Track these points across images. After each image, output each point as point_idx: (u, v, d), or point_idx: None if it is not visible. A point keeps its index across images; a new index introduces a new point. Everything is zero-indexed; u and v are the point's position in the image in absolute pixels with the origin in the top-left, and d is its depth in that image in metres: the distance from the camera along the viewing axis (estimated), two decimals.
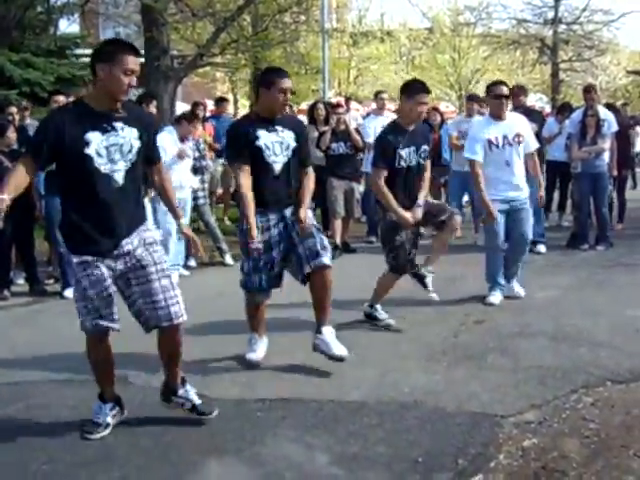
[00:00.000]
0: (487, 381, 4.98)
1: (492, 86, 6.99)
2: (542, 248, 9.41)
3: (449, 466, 3.81)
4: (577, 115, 10.07)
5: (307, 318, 6.29)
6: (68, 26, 19.62)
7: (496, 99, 6.78)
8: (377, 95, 11.44)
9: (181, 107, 15.07)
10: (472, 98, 11.12)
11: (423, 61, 32.38)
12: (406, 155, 6.02)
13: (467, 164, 10.11)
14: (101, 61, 3.86)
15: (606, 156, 9.76)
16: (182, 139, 8.49)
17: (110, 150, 3.91)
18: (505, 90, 6.83)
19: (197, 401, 4.34)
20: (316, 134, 10.11)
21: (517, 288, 7.15)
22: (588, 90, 10.01)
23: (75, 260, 3.99)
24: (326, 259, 5.07)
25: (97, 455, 4.00)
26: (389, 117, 11.02)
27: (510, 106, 7.56)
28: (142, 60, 3.97)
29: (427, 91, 6.04)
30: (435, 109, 12.36)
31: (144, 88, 12.25)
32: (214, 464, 3.90)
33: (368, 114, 13.78)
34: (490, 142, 6.75)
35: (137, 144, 4.02)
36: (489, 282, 7.05)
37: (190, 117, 8.90)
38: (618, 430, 4.21)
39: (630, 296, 7.16)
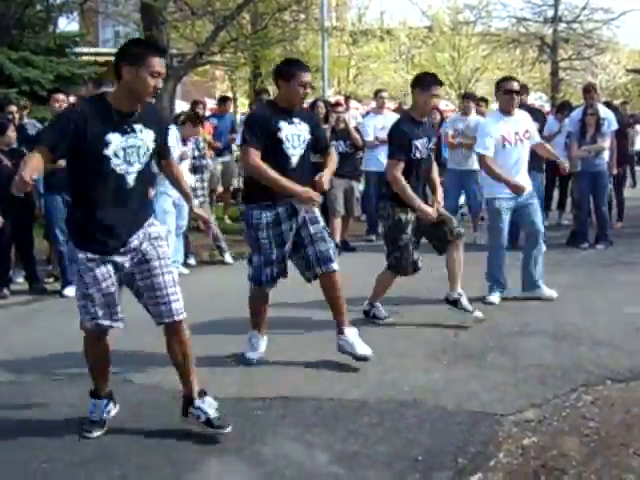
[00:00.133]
0: (487, 380, 4.98)
1: (503, 82, 6.93)
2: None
3: (449, 465, 3.81)
4: (577, 114, 10.07)
5: (306, 316, 6.31)
6: (67, 24, 19.57)
7: (507, 94, 6.76)
8: (377, 94, 11.43)
9: (180, 106, 15.07)
10: (468, 96, 11.11)
11: (423, 60, 32.32)
12: (421, 146, 6.00)
13: (463, 163, 10.19)
14: (127, 62, 3.80)
15: (606, 155, 9.77)
16: (184, 140, 8.50)
17: (127, 152, 3.89)
18: (516, 85, 6.82)
19: (212, 414, 4.14)
20: None
21: (548, 291, 7.06)
22: (588, 90, 10.01)
23: (80, 256, 3.95)
24: (336, 265, 5.18)
25: (96, 454, 4.00)
26: (389, 116, 11.04)
27: None
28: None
29: (440, 83, 6.08)
30: (435, 108, 12.34)
31: None
32: (214, 463, 3.89)
33: (368, 113, 13.77)
34: (504, 138, 6.73)
35: (152, 146, 4.02)
36: (489, 281, 7.05)
37: (195, 119, 8.91)
38: (618, 429, 4.21)
39: (630, 294, 7.16)
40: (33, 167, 3.63)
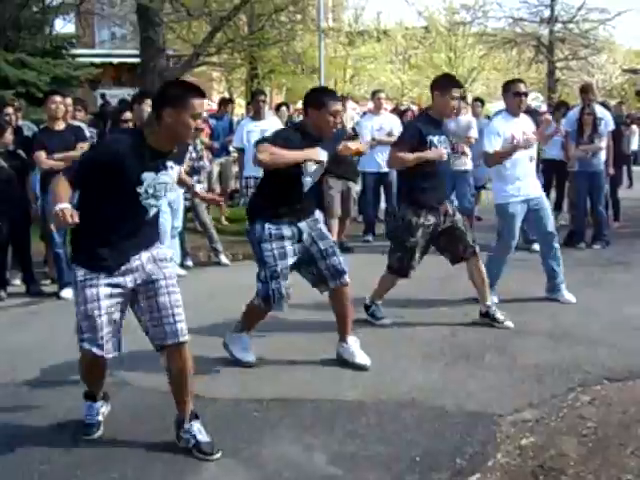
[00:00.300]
0: (485, 380, 4.98)
1: (511, 84, 6.92)
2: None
3: (447, 465, 3.81)
4: (574, 113, 10.07)
5: (304, 318, 6.30)
6: (64, 26, 19.61)
7: (517, 96, 6.76)
8: (374, 94, 11.42)
9: None
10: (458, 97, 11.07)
11: (419, 60, 32.36)
12: (437, 143, 5.96)
13: (455, 163, 10.17)
14: (169, 105, 3.72)
15: (603, 155, 9.77)
16: None
17: (157, 187, 3.87)
18: (524, 88, 6.84)
19: (201, 439, 4.00)
20: None
21: (568, 295, 7.01)
22: (585, 90, 10.01)
23: (79, 274, 3.88)
24: (348, 277, 5.28)
25: (95, 456, 4.00)
26: (386, 116, 11.05)
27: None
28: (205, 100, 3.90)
29: (459, 85, 6.12)
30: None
31: (139, 88, 12.25)
32: (212, 464, 3.89)
33: (364, 113, 13.77)
34: (514, 138, 6.71)
35: (176, 180, 4.08)
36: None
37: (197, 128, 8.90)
38: (615, 428, 4.21)
39: (627, 294, 7.17)
40: (64, 197, 3.57)
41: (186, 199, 8.94)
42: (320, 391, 4.83)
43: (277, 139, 4.99)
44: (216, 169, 12.05)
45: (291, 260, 5.14)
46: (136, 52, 14.94)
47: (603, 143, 9.67)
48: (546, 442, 4.05)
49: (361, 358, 5.31)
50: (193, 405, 4.14)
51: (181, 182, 4.60)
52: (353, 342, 5.37)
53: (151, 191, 3.86)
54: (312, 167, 5.07)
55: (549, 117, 7.53)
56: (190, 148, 8.90)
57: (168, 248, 8.45)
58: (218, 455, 3.97)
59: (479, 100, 12.66)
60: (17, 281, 8.18)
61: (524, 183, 6.78)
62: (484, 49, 31.03)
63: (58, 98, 7.73)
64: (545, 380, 4.94)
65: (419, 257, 6.10)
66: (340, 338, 5.40)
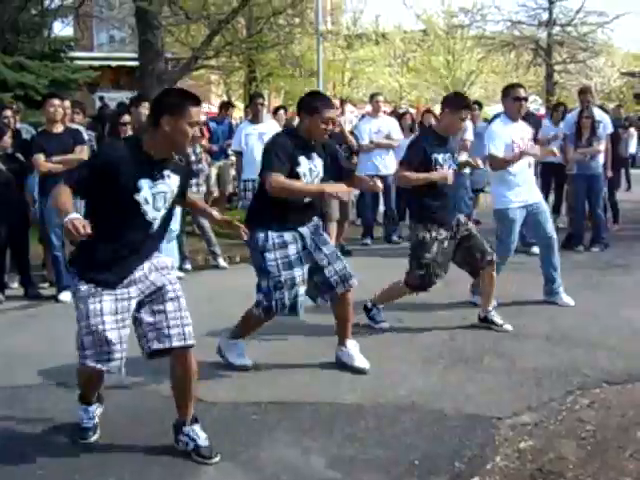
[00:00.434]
0: (483, 383, 4.98)
1: (511, 88, 6.94)
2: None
3: (446, 468, 3.81)
4: (572, 116, 10.09)
5: (302, 321, 6.28)
6: (62, 29, 19.58)
7: (517, 101, 6.78)
8: (372, 97, 11.42)
9: None
10: None
11: (418, 63, 32.37)
12: (442, 160, 5.95)
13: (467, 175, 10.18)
14: (167, 113, 3.75)
15: (601, 157, 9.78)
16: None
17: (156, 197, 3.86)
18: (523, 92, 6.86)
19: (201, 442, 4.00)
20: None
21: (566, 298, 7.02)
22: (584, 91, 10.03)
23: (81, 288, 3.84)
24: (355, 280, 5.25)
25: (92, 459, 3.99)
26: (384, 119, 11.05)
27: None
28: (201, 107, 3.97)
29: (470, 107, 6.26)
30: (429, 111, 12.36)
31: (138, 91, 12.24)
32: (210, 468, 3.88)
33: (363, 116, 13.77)
34: (514, 142, 6.74)
35: (177, 191, 4.02)
36: None
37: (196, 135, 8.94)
38: (614, 431, 4.21)
39: (625, 297, 7.17)
40: (70, 207, 3.54)
41: None
42: (319, 394, 4.83)
43: (278, 164, 4.93)
44: (214, 172, 12.05)
45: (298, 270, 5.05)
46: (135, 55, 14.94)
47: (601, 146, 9.68)
48: (545, 445, 4.05)
49: (360, 362, 5.31)
50: (193, 409, 4.13)
51: (205, 214, 4.60)
52: (352, 346, 5.37)
53: (151, 200, 3.84)
54: (314, 174, 5.09)
55: (556, 150, 7.55)
56: (189, 151, 8.92)
57: (167, 255, 8.50)
58: (217, 459, 3.96)
59: (477, 103, 12.66)
60: (15, 284, 8.18)
61: (523, 189, 6.80)
62: (482, 52, 31.04)
63: (56, 101, 7.73)
64: (544, 383, 4.94)
65: (440, 272, 6.03)
66: (340, 342, 5.40)
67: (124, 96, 17.00)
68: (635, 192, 15.81)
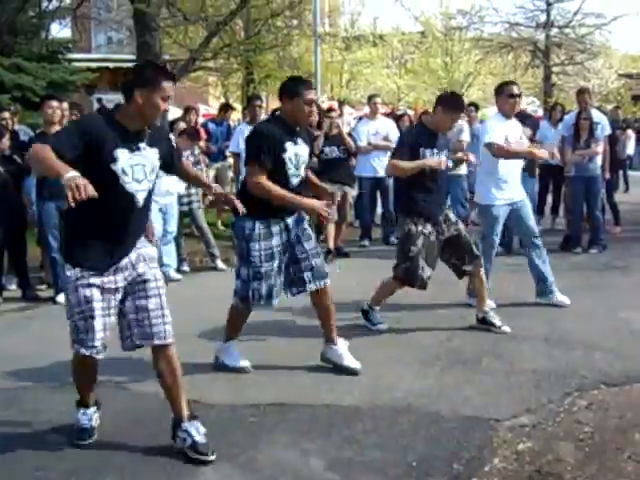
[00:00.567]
0: (481, 385, 4.97)
1: (505, 86, 7.00)
2: None
3: (443, 470, 3.80)
4: (570, 118, 10.10)
5: (300, 323, 6.29)
6: (60, 30, 19.58)
7: (511, 98, 6.82)
8: (370, 99, 11.43)
9: (173, 112, 15.04)
10: None
11: (415, 65, 32.43)
12: (430, 156, 5.99)
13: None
14: (141, 86, 3.85)
15: (599, 159, 9.78)
16: (179, 151, 8.53)
17: (134, 169, 3.90)
18: (517, 90, 6.89)
19: (198, 439, 4.00)
20: None
21: (561, 297, 7.02)
22: (582, 92, 10.04)
23: (69, 274, 3.91)
24: (328, 281, 5.28)
25: (90, 461, 3.98)
26: (382, 121, 11.05)
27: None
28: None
29: (463, 109, 6.31)
30: (427, 113, 12.33)
31: None
32: (208, 470, 3.88)
33: (361, 118, 13.77)
34: (506, 139, 6.77)
35: (157, 164, 4.05)
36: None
37: (193, 136, 8.96)
38: (612, 433, 4.21)
39: (623, 298, 7.17)
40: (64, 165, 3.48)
41: (182, 204, 8.94)
42: (317, 396, 4.82)
43: (260, 159, 5.00)
44: (212, 173, 12.04)
45: (278, 261, 5.12)
46: (133, 57, 14.93)
47: (599, 148, 9.68)
48: (543, 447, 4.04)
49: (350, 361, 5.29)
50: (190, 408, 4.14)
51: (204, 185, 4.65)
52: (342, 344, 5.36)
53: (129, 172, 3.88)
54: (300, 160, 5.13)
55: (556, 152, 7.60)
56: (187, 153, 8.93)
57: (166, 256, 8.52)
58: (213, 457, 3.97)
59: (473, 105, 12.67)
60: (13, 286, 8.17)
61: (509, 186, 6.87)
62: (480, 54, 31.09)
63: (54, 103, 7.73)
64: (542, 385, 4.94)
65: (426, 266, 6.03)
66: (327, 339, 5.37)
67: (122, 98, 16.96)
68: (633, 194, 15.82)
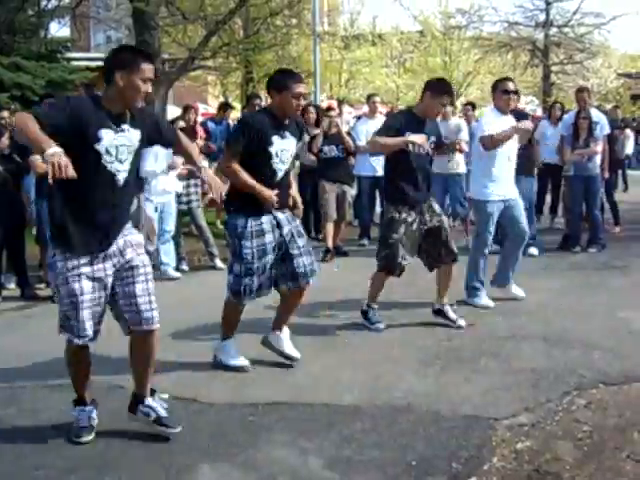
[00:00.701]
0: (480, 384, 4.97)
1: (500, 82, 7.07)
2: (534, 251, 9.40)
3: (443, 469, 3.81)
4: (569, 117, 10.10)
5: (300, 321, 6.29)
6: (59, 29, 19.58)
7: (505, 94, 6.86)
8: (369, 98, 11.42)
9: (172, 111, 15.06)
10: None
11: (415, 64, 32.40)
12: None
13: (448, 167, 10.18)
14: (120, 68, 3.91)
15: (598, 158, 9.78)
16: None
17: (119, 149, 3.97)
18: (512, 86, 6.94)
19: (163, 413, 4.24)
20: (307, 137, 10.11)
21: (516, 290, 7.17)
22: (581, 91, 10.04)
23: (59, 264, 3.97)
24: (316, 279, 5.36)
25: (88, 460, 3.98)
26: (381, 120, 11.02)
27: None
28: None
29: (451, 94, 6.28)
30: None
31: None
32: (207, 469, 3.88)
33: (360, 117, 13.76)
34: None
35: (138, 145, 4.10)
36: (476, 284, 7.00)
37: (191, 133, 8.96)
38: (611, 432, 4.21)
39: (622, 298, 7.17)
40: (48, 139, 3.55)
41: (181, 203, 8.94)
42: (316, 395, 4.82)
43: (237, 146, 5.07)
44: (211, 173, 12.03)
45: (270, 257, 5.15)
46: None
47: (599, 147, 9.68)
48: (542, 446, 4.04)
49: (291, 350, 5.42)
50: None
51: (194, 164, 4.62)
52: (286, 332, 5.47)
53: (113, 152, 3.93)
54: (287, 154, 5.15)
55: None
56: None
57: (165, 255, 8.52)
58: (179, 429, 4.18)
59: (470, 104, 12.66)
60: (12, 285, 8.16)
61: (503, 183, 6.91)
62: (479, 53, 31.09)
63: None
64: (541, 384, 4.94)
65: (405, 254, 6.13)
66: (275, 327, 5.46)
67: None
68: (632, 193, 15.82)
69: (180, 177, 8.71)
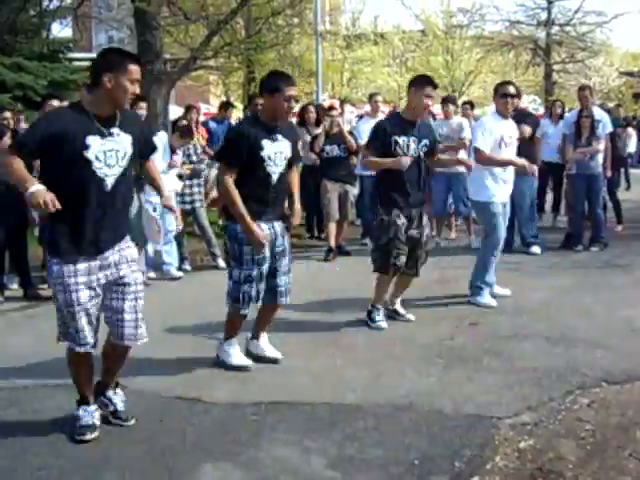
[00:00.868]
0: (483, 383, 4.97)
1: (500, 86, 7.12)
2: (536, 249, 9.40)
3: (445, 468, 3.80)
4: (571, 116, 10.10)
5: (302, 321, 6.29)
6: (61, 30, 19.61)
7: (504, 98, 6.89)
8: (371, 97, 11.41)
9: (175, 111, 15.05)
10: (448, 100, 11.01)
11: (416, 63, 32.35)
12: (403, 143, 6.08)
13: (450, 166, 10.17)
14: (108, 70, 3.92)
15: (600, 157, 9.77)
16: (174, 149, 8.53)
17: (107, 155, 3.96)
18: (512, 89, 6.97)
19: (120, 407, 4.41)
20: (308, 137, 10.12)
21: (499, 289, 7.19)
22: (583, 89, 10.03)
23: (55, 269, 4.01)
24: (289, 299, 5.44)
25: (91, 460, 3.98)
26: None
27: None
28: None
29: (434, 85, 6.23)
30: (427, 108, 12.28)
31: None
32: (209, 468, 3.88)
33: (361, 116, 13.74)
34: (502, 138, 6.82)
35: (130, 151, 4.09)
36: (481, 284, 6.99)
37: (185, 132, 8.95)
38: (614, 431, 4.21)
39: (624, 296, 7.17)
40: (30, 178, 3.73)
41: (185, 203, 8.93)
42: (318, 395, 4.82)
43: (231, 160, 5.08)
44: (213, 172, 12.02)
45: (267, 265, 5.17)
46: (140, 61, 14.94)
47: (601, 145, 9.67)
48: (544, 445, 4.04)
49: (272, 352, 5.46)
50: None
51: (156, 188, 4.66)
52: (264, 338, 5.52)
53: (102, 157, 3.94)
54: (280, 157, 5.13)
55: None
56: (191, 151, 8.95)
57: (167, 255, 8.51)
58: (132, 422, 4.35)
59: (469, 103, 12.65)
60: (14, 285, 8.16)
61: (507, 187, 6.99)
62: (481, 52, 31.06)
63: (55, 102, 7.75)
64: (543, 383, 4.93)
65: (398, 255, 6.15)
66: (253, 336, 5.51)
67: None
68: (634, 192, 15.80)
69: (183, 177, 8.71)
